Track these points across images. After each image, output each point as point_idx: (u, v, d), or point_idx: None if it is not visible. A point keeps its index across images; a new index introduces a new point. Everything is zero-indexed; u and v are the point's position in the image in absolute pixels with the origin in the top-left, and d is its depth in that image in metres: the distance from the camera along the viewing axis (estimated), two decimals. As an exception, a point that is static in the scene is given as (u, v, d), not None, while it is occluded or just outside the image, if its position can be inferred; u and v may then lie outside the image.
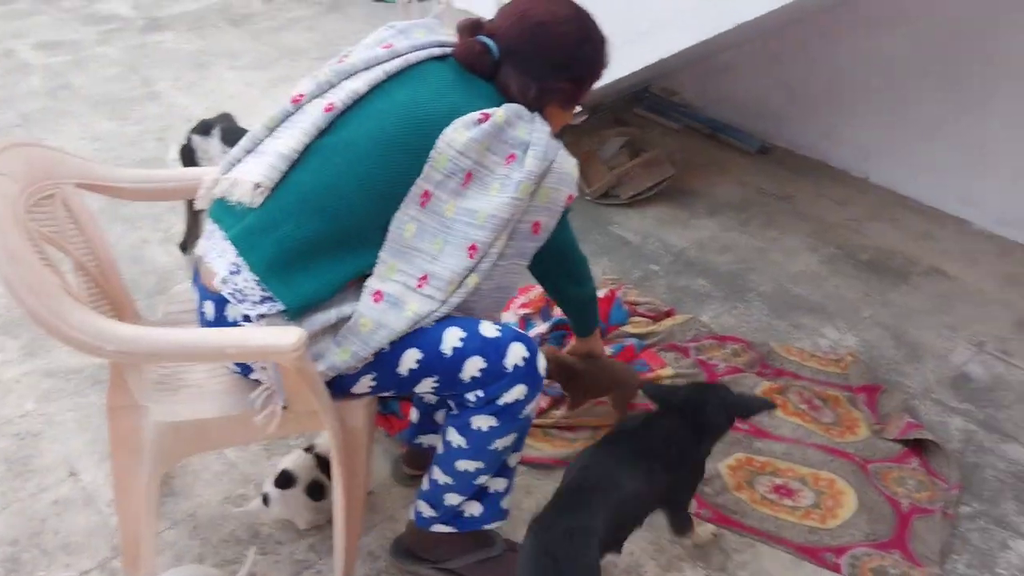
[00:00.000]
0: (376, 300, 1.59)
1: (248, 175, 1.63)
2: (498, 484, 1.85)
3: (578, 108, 1.82)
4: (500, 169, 1.60)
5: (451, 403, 1.74)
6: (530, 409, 1.72)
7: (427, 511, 1.84)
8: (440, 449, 1.78)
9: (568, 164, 1.66)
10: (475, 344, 1.64)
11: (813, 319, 2.82)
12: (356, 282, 1.62)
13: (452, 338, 1.64)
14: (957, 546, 2.07)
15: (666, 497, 1.88)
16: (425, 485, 1.84)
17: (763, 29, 3.34)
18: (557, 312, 2.73)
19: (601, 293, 2.81)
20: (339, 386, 1.68)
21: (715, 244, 3.19)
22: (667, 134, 3.77)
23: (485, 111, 1.59)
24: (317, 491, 2.04)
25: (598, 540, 1.64)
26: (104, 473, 2.24)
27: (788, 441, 2.32)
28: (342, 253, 1.60)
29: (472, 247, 1.60)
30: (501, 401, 1.67)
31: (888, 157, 3.46)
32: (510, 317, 2.71)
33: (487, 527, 1.86)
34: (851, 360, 2.62)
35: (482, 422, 1.69)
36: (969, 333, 2.77)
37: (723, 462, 2.26)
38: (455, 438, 1.73)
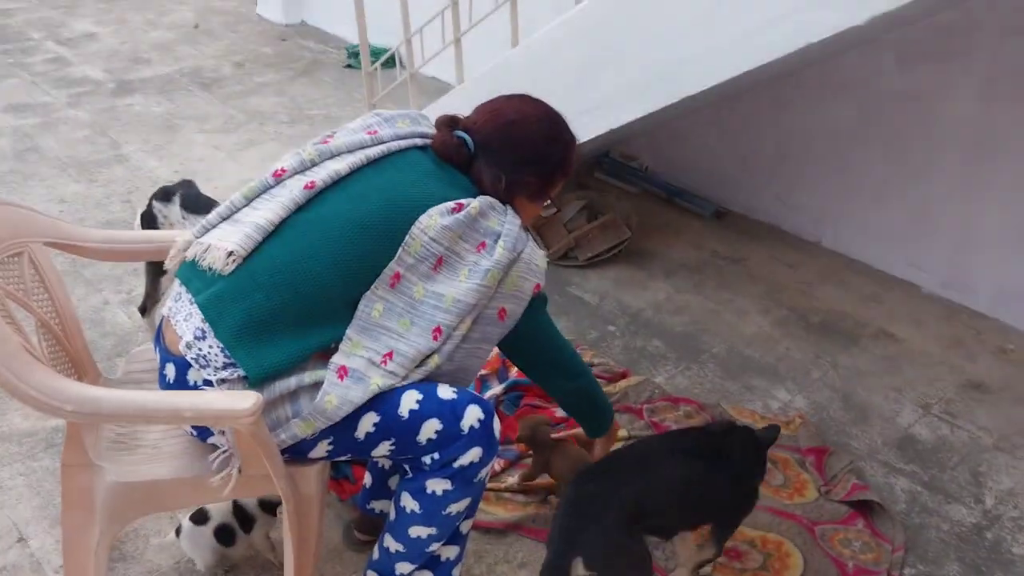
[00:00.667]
0: (341, 377, 1.63)
1: (223, 242, 1.68)
2: (449, 552, 1.85)
3: (547, 202, 1.93)
4: (470, 256, 1.69)
5: (406, 467, 1.75)
6: (484, 473, 1.75)
7: None
8: (392, 515, 1.79)
9: (537, 256, 1.76)
10: (432, 406, 1.68)
11: (764, 380, 2.88)
12: (319, 352, 1.66)
13: (409, 400, 1.67)
14: (902, 607, 2.11)
15: (718, 514, 2.04)
16: (375, 554, 1.84)
17: (714, 99, 3.45)
18: (514, 372, 2.77)
19: (556, 356, 2.86)
20: (296, 450, 1.71)
21: (670, 305, 3.26)
22: (625, 197, 3.85)
23: (460, 201, 1.69)
24: (227, 536, 2.06)
25: (624, 510, 1.83)
26: (54, 539, 2.23)
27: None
28: (309, 327, 1.64)
29: (437, 329, 1.67)
30: (456, 464, 1.69)
31: (838, 221, 3.56)
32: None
33: None
34: (800, 422, 2.67)
35: (437, 485, 1.71)
36: (915, 395, 2.84)
37: (673, 524, 2.28)
38: (408, 503, 1.75)
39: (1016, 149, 2.94)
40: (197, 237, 1.74)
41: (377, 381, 1.65)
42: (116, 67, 5.60)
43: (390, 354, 1.66)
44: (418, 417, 1.67)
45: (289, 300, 1.63)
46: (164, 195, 2.75)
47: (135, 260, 2.10)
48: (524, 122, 1.82)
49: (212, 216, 1.76)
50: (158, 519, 2.28)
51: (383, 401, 1.67)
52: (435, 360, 1.69)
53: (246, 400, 1.52)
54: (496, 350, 2.81)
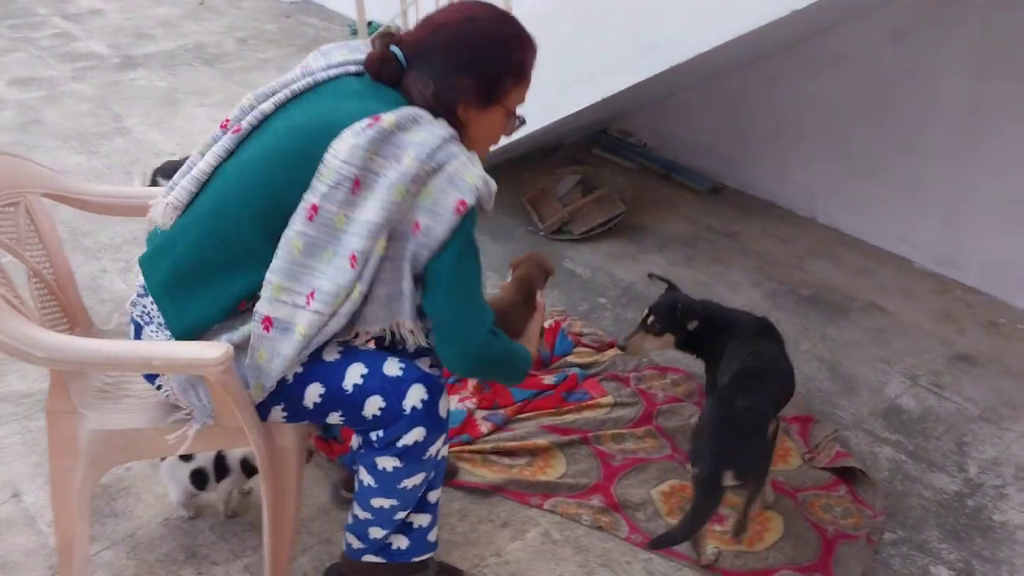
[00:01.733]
0: (266, 329, 1.59)
1: (169, 197, 1.69)
2: (421, 519, 1.87)
3: (515, 116, 1.73)
4: (389, 173, 1.54)
5: (360, 439, 1.77)
6: (434, 450, 1.73)
7: (355, 543, 1.87)
8: (356, 486, 1.81)
9: (466, 171, 1.57)
10: (375, 383, 1.67)
11: (753, 352, 2.89)
12: (251, 305, 1.62)
13: (354, 374, 1.67)
14: (880, 572, 2.13)
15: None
16: (350, 519, 1.86)
17: (708, 73, 3.46)
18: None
19: (547, 324, 2.89)
20: (259, 415, 1.72)
21: (662, 279, 3.28)
22: (621, 173, 3.87)
23: (376, 115, 1.54)
24: (200, 479, 2.12)
25: (768, 419, 2.07)
26: (47, 496, 2.27)
27: (720, 468, 2.38)
28: (231, 273, 1.60)
29: (352, 256, 1.55)
30: (400, 443, 1.68)
31: (832, 196, 3.57)
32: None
33: (416, 559, 1.88)
34: (786, 391, 2.69)
35: (386, 463, 1.71)
36: (903, 367, 2.85)
37: (656, 488, 2.32)
38: (365, 476, 1.76)
39: (1007, 124, 2.94)
40: (165, 196, 1.73)
41: (302, 328, 1.57)
42: (121, 42, 5.63)
43: (312, 293, 1.57)
44: (362, 392, 1.67)
45: (210, 248, 1.60)
46: (168, 171, 2.80)
47: (130, 215, 2.12)
48: (456, 23, 1.64)
49: (176, 175, 1.75)
50: (147, 478, 2.32)
51: (328, 373, 1.68)
52: (358, 288, 1.57)
53: (216, 350, 1.55)
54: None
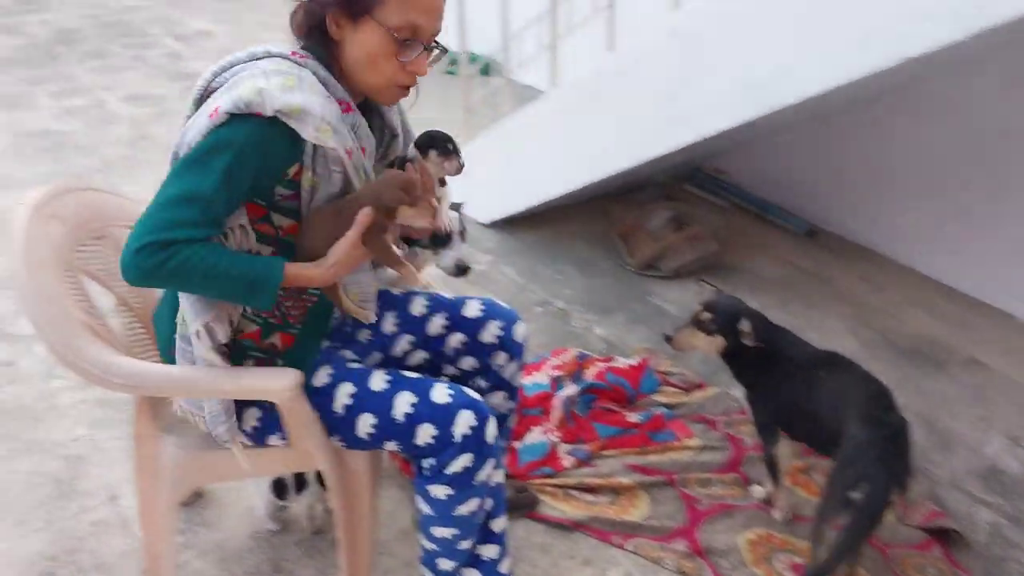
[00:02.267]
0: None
1: None
2: (489, 551, 1.86)
3: (435, 44, 1.59)
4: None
5: (414, 467, 1.77)
6: (484, 476, 1.72)
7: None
8: (418, 515, 1.81)
9: (243, 82, 1.47)
10: (425, 411, 1.67)
11: (846, 401, 2.82)
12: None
13: (403, 404, 1.68)
14: (975, 639, 2.05)
15: None
16: (420, 551, 1.87)
17: (809, 116, 3.42)
18: (589, 375, 2.79)
19: (633, 361, 2.87)
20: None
21: (753, 321, 3.22)
22: (714, 211, 3.84)
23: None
24: (280, 489, 2.20)
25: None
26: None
27: (810, 521, 2.32)
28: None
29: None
30: (449, 470, 1.69)
31: (932, 245, 3.47)
32: (542, 378, 2.78)
33: None
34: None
35: (438, 491, 1.72)
36: (1004, 426, 2.74)
37: (742, 535, 2.27)
38: (422, 506, 1.77)
39: None
40: None
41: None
42: (228, 64, 5.83)
43: None
44: (413, 421, 1.68)
45: None
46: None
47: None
48: None
49: None
50: (236, 491, 2.38)
51: (377, 402, 1.69)
52: None
53: (284, 377, 1.60)
54: (572, 352, 2.87)
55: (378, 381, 1.73)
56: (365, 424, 1.70)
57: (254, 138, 1.45)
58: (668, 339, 2.34)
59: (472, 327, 1.96)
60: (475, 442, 1.68)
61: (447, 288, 2.08)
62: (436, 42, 1.59)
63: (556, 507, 2.35)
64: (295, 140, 1.49)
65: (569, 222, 3.85)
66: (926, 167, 3.38)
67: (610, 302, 3.32)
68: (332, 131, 1.51)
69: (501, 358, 1.98)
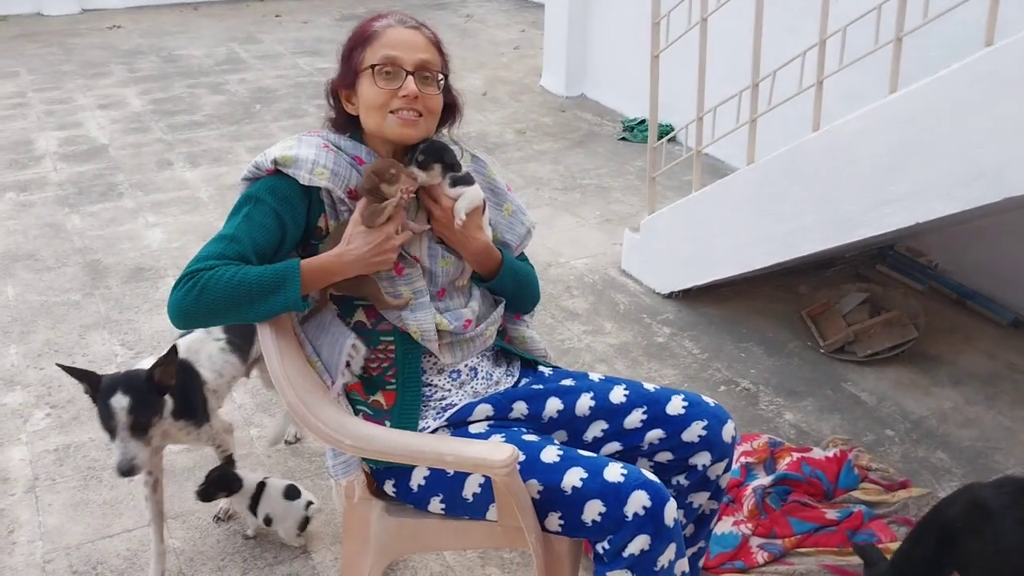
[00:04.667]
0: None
1: None
2: None
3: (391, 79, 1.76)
4: None
5: (593, 553, 1.71)
6: (665, 561, 1.65)
7: None
8: None
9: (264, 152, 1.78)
10: (595, 487, 1.64)
11: (1069, 514, 2.57)
12: None
13: (573, 477, 1.65)
14: None
15: None
16: None
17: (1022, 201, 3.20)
18: (783, 465, 2.66)
19: (831, 452, 2.72)
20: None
21: (958, 417, 3.01)
22: (911, 295, 3.63)
23: None
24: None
25: None
26: (332, 555, 2.39)
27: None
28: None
29: None
30: (627, 552, 1.62)
31: None
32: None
33: None
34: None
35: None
36: None
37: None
38: None
39: None
40: None
41: None
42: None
43: None
44: (580, 496, 1.64)
45: None
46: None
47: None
48: None
49: None
50: (427, 555, 2.38)
51: (547, 472, 1.67)
52: None
53: (504, 451, 1.59)
54: (763, 439, 2.75)
55: (550, 454, 1.71)
56: (531, 490, 1.67)
57: (265, 187, 1.73)
58: None
59: (674, 424, 1.88)
60: (651, 523, 1.62)
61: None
62: (431, 72, 1.79)
63: (750, 604, 2.23)
64: (307, 190, 1.74)
65: (753, 298, 3.74)
66: None
67: (800, 386, 3.18)
68: (330, 173, 1.73)
69: (705, 458, 1.90)
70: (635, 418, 1.88)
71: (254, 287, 1.62)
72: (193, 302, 1.60)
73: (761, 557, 2.37)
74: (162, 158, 5.31)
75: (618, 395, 1.91)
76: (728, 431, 1.90)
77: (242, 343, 2.40)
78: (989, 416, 3.02)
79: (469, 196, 1.82)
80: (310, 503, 2.40)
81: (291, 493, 2.38)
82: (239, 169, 5.07)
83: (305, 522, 2.40)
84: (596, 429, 1.89)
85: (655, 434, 1.88)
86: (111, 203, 4.69)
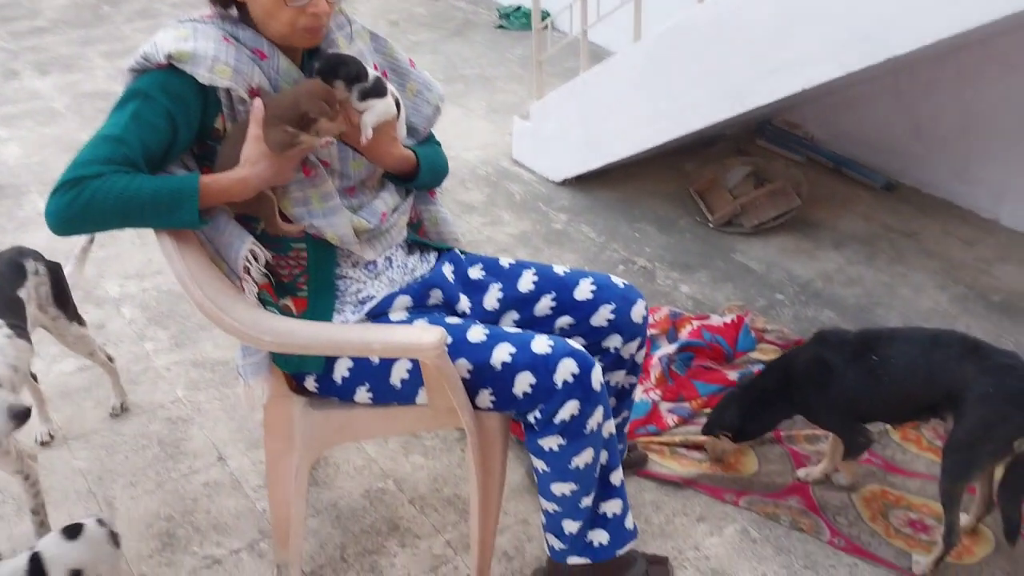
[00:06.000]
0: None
1: None
2: (612, 507, 1.83)
3: None
4: None
5: (524, 424, 1.75)
6: (594, 423, 1.70)
7: (556, 543, 1.85)
8: (536, 478, 1.81)
9: (144, 43, 1.61)
10: (524, 359, 1.66)
11: (943, 357, 2.78)
12: None
13: (502, 353, 1.67)
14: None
15: None
16: (542, 517, 1.85)
17: (897, 65, 3.33)
18: (684, 333, 2.76)
19: (728, 318, 2.83)
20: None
21: (841, 277, 3.18)
22: (791, 166, 3.76)
23: None
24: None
25: None
26: (250, 460, 2.35)
27: (922, 477, 2.30)
28: None
29: None
30: (557, 419, 1.67)
31: (1020, 199, 3.39)
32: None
33: (620, 552, 1.85)
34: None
35: (551, 442, 1.70)
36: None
37: (857, 492, 2.25)
38: (537, 462, 1.76)
39: None
40: None
41: None
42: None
43: None
44: (510, 370, 1.67)
45: None
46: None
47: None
48: None
49: None
50: (346, 449, 2.37)
51: (475, 350, 1.68)
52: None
53: (432, 334, 1.58)
54: (664, 310, 2.83)
55: (477, 334, 1.72)
56: (460, 369, 1.68)
57: (156, 83, 1.57)
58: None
59: (582, 310, 1.90)
60: (580, 388, 1.66)
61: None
62: None
63: (664, 464, 2.34)
64: (203, 88, 1.58)
65: (642, 179, 3.79)
66: (1013, 118, 3.29)
67: (693, 260, 3.27)
68: (232, 71, 1.58)
69: (616, 340, 1.94)
70: (544, 305, 1.91)
71: (147, 203, 1.52)
72: (80, 211, 1.49)
73: (671, 420, 2.47)
74: (7, 68, 4.89)
75: (527, 282, 1.92)
76: (638, 311, 1.95)
77: (21, 322, 2.06)
78: (870, 274, 3.19)
79: (377, 110, 1.67)
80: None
81: None
82: (95, 76, 4.76)
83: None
84: (508, 320, 1.91)
85: (565, 320, 1.91)
86: (-45, 119, 4.32)
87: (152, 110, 1.56)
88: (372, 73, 1.67)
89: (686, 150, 3.85)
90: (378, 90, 1.67)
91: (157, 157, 1.58)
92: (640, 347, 2.01)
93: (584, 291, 1.91)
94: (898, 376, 2.04)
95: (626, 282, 1.97)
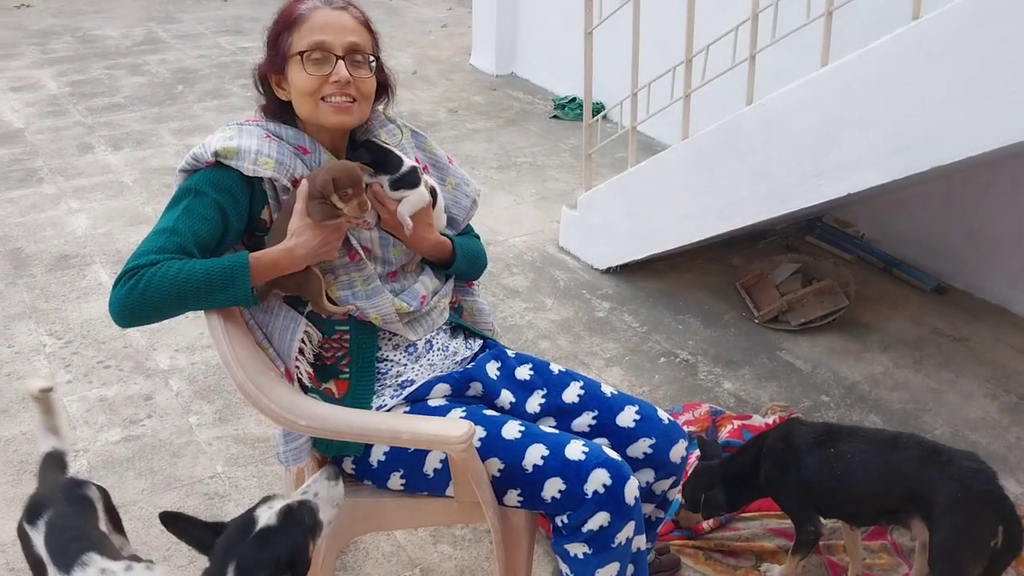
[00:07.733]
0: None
1: None
2: None
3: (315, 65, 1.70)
4: None
5: (552, 524, 1.74)
6: (622, 537, 1.68)
7: None
8: None
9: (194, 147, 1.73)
10: (556, 464, 1.66)
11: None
12: None
13: (534, 455, 1.67)
14: None
15: None
16: None
17: (948, 169, 3.32)
18: (724, 433, 2.72)
19: (771, 419, 2.79)
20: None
21: (888, 380, 3.12)
22: (840, 264, 3.74)
23: None
24: None
25: None
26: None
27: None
28: None
29: None
30: (586, 528, 1.65)
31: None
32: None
33: None
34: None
35: (576, 549, 1.69)
36: None
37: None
38: (562, 565, 1.74)
39: None
40: None
41: None
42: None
43: None
44: (541, 473, 1.66)
45: None
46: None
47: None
48: None
49: None
50: (376, 534, 2.37)
51: (509, 448, 1.68)
52: None
53: (460, 427, 1.60)
54: (704, 407, 2.80)
55: (512, 430, 1.72)
56: (491, 467, 1.68)
57: (205, 179, 1.67)
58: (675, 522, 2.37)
59: (621, 437, 1.88)
60: (612, 500, 1.64)
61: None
62: (362, 55, 1.73)
63: (697, 569, 2.29)
64: (249, 180, 1.68)
65: (688, 271, 3.80)
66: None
67: (737, 355, 3.25)
68: (274, 163, 1.68)
69: (648, 475, 1.91)
70: (584, 421, 1.89)
71: (201, 283, 1.58)
72: (138, 300, 1.56)
73: (707, 523, 2.42)
74: (82, 142, 5.12)
75: (572, 394, 1.91)
76: (678, 451, 1.91)
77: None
78: (917, 379, 3.13)
79: (412, 200, 1.77)
80: None
81: None
82: (164, 152, 4.96)
83: None
84: (544, 425, 1.90)
85: (600, 442, 1.86)
86: (30, 189, 4.51)
87: (202, 203, 1.66)
88: (408, 164, 1.76)
89: (734, 244, 3.86)
90: (411, 181, 1.76)
91: (210, 247, 1.66)
92: (674, 485, 1.98)
93: (627, 418, 1.88)
94: (854, 472, 2.03)
95: (671, 419, 1.94)
